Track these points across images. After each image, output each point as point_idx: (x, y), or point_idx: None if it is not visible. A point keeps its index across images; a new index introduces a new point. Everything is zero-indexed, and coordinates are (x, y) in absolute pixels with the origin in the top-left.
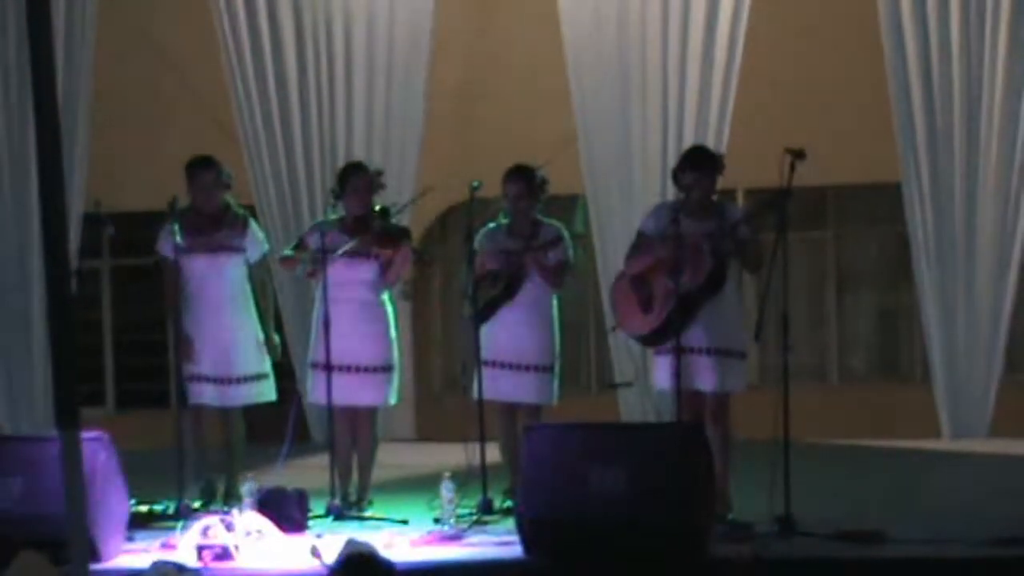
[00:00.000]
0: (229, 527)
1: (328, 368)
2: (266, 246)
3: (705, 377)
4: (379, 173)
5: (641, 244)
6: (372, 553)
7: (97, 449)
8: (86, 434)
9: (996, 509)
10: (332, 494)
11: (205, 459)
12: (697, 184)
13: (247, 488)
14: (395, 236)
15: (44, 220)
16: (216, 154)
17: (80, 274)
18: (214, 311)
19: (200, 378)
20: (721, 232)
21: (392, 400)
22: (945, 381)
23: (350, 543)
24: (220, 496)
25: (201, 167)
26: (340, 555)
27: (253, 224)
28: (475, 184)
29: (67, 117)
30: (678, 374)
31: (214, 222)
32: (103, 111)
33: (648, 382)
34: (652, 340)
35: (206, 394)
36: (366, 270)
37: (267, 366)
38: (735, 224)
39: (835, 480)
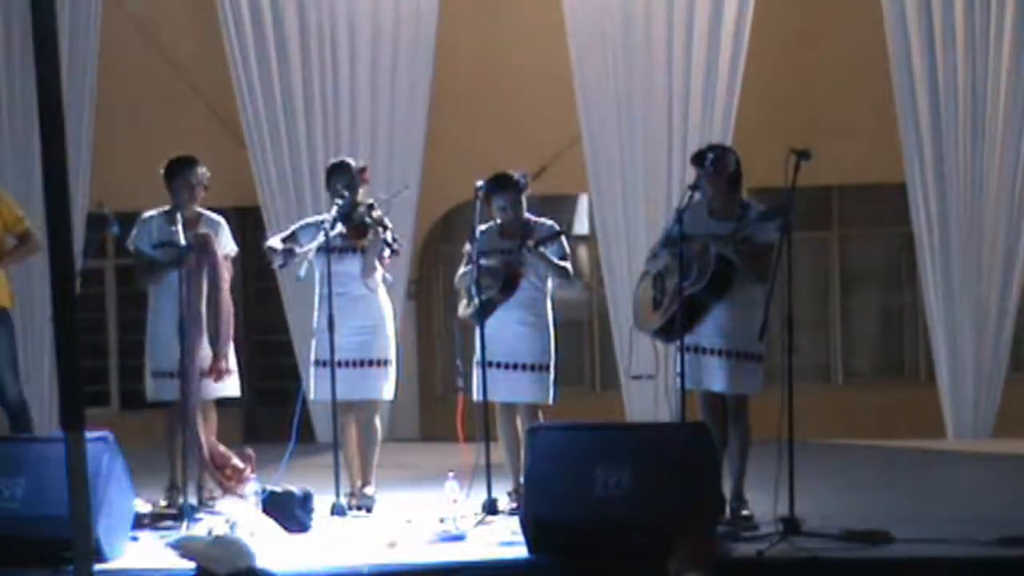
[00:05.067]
0: (233, 527)
1: (332, 365)
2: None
3: (717, 378)
4: (363, 170)
5: (664, 242)
6: None
7: (102, 449)
8: (91, 434)
9: (1000, 509)
10: (337, 494)
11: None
12: (703, 185)
13: (251, 488)
14: (368, 226)
15: (49, 221)
16: (221, 154)
17: (84, 274)
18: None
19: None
20: (730, 234)
21: (388, 395)
22: (949, 381)
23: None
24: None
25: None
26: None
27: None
28: (480, 184)
29: (71, 118)
30: (682, 373)
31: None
32: (107, 111)
33: (666, 378)
34: (660, 337)
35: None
36: (353, 264)
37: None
38: (751, 224)
39: (839, 480)
